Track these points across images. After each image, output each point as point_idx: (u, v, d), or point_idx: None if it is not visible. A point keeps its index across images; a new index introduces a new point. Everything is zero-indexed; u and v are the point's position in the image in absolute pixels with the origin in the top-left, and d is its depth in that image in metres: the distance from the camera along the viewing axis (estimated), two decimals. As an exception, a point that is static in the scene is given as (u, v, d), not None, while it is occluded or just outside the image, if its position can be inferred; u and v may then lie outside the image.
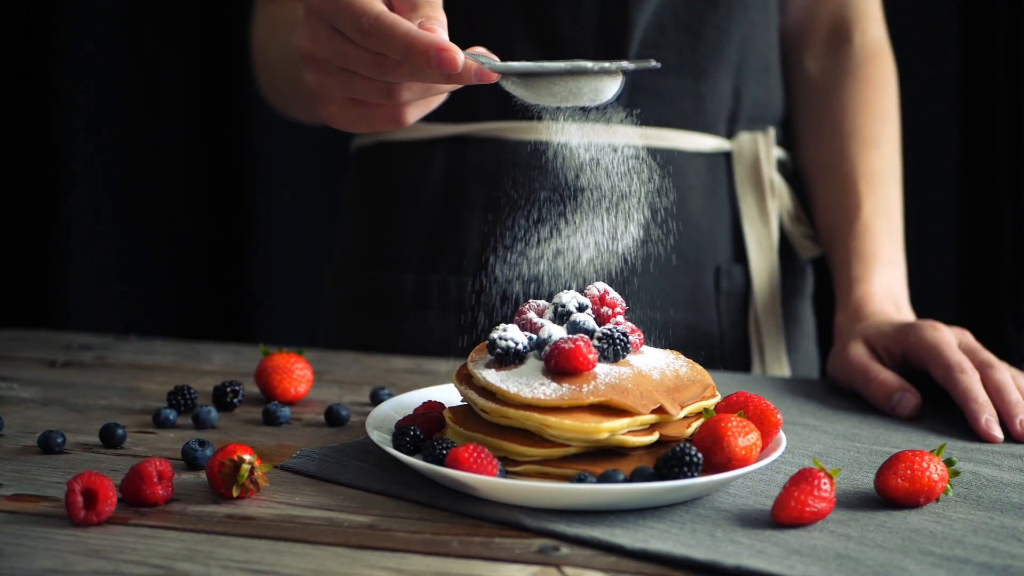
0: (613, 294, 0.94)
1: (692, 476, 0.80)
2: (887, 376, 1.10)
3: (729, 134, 1.38)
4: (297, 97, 1.40)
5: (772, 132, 1.39)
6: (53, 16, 2.10)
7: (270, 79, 1.42)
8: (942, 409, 1.07)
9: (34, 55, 2.12)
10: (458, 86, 0.91)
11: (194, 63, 2.17)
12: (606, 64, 0.89)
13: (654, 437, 0.84)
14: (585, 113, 0.94)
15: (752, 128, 1.39)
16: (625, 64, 0.89)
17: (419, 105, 0.94)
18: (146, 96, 2.17)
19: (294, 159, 2.18)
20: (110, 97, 2.16)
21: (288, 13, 1.35)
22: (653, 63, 0.90)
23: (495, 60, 0.89)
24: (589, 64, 0.89)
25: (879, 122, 1.37)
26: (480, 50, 0.90)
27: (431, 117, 1.03)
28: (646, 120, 1.32)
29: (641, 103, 1.30)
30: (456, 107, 1.23)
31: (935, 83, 1.94)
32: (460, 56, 0.85)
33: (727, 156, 1.38)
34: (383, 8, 0.87)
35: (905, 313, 1.24)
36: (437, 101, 0.97)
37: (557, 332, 0.88)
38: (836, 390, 1.17)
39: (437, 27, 0.87)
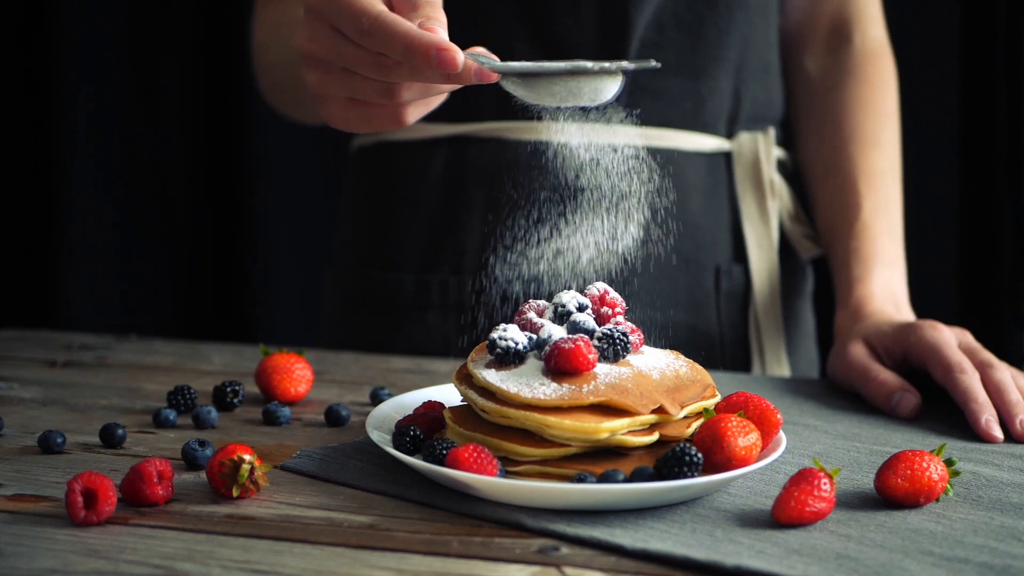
0: (613, 294, 0.94)
1: (692, 476, 0.80)
2: (887, 376, 1.10)
3: (729, 134, 1.38)
4: (298, 98, 1.40)
5: (772, 132, 1.39)
6: (53, 16, 2.10)
7: (272, 81, 1.42)
8: (942, 409, 1.07)
9: (34, 55, 2.12)
10: (458, 86, 0.91)
11: (194, 63, 2.17)
12: (606, 64, 0.89)
13: (654, 437, 0.84)
14: (585, 113, 0.94)
15: (752, 128, 1.39)
16: (625, 64, 0.89)
17: (419, 105, 0.94)
18: (146, 96, 2.17)
19: (294, 159, 2.18)
20: (110, 97, 2.16)
21: (290, 13, 1.34)
22: (653, 63, 0.90)
23: (495, 60, 0.89)
24: (589, 64, 0.89)
25: (879, 122, 1.37)
26: (480, 50, 0.90)
27: (431, 117, 1.03)
28: (646, 120, 1.32)
29: (641, 103, 1.30)
30: (456, 107, 1.23)
31: (935, 83, 1.94)
32: (460, 56, 0.85)
33: (727, 156, 1.38)
34: (383, 8, 0.87)
35: (905, 313, 1.24)
36: (437, 101, 0.97)
37: (557, 332, 0.88)
38: (836, 390, 1.17)
39: (437, 27, 0.87)
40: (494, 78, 0.88)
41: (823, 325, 1.44)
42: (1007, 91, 1.88)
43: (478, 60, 0.87)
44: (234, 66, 2.07)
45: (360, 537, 0.77)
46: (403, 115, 0.93)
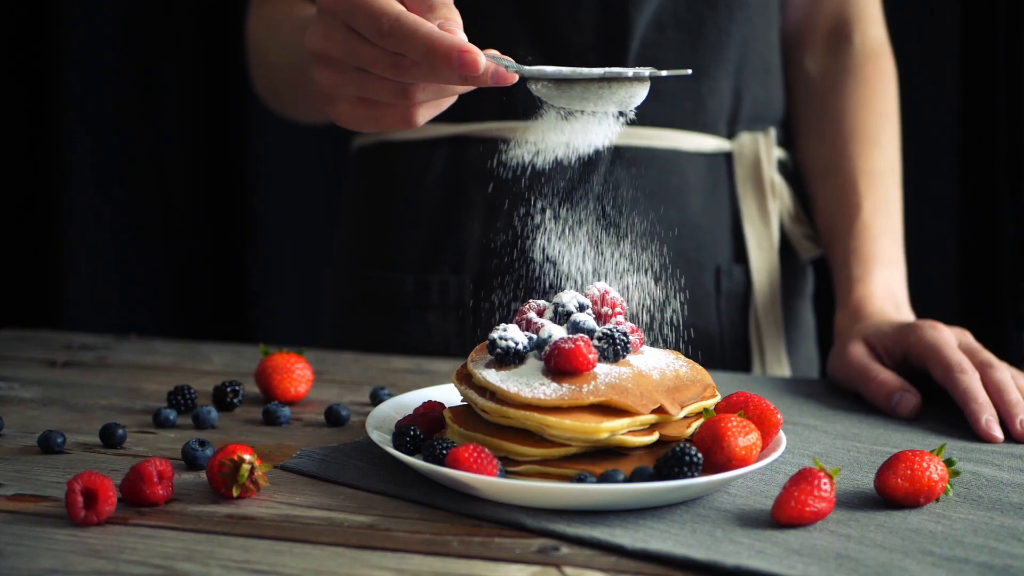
0: (613, 294, 0.94)
1: (692, 476, 0.80)
2: (887, 376, 1.10)
3: (730, 134, 1.38)
4: (298, 96, 1.40)
5: (772, 132, 1.39)
6: (53, 16, 2.10)
7: (271, 80, 1.42)
8: (942, 409, 1.07)
9: (34, 55, 2.12)
10: (473, 88, 0.90)
11: (194, 63, 2.17)
12: (642, 71, 0.88)
13: (654, 437, 0.84)
14: (595, 114, 0.93)
15: (753, 128, 1.39)
16: (660, 71, 0.89)
17: (430, 106, 0.94)
18: (146, 96, 2.17)
19: (294, 159, 2.18)
20: (110, 97, 2.16)
21: (287, 11, 1.34)
22: (688, 71, 0.90)
23: (511, 61, 0.89)
24: (625, 71, 0.88)
25: (879, 122, 1.37)
26: (494, 52, 0.89)
27: (432, 117, 1.03)
28: (647, 120, 1.31)
29: (642, 103, 1.29)
30: (456, 107, 1.23)
31: (935, 83, 1.94)
32: (482, 58, 0.84)
33: (727, 156, 1.38)
34: (402, 8, 0.86)
35: (905, 313, 1.24)
36: (448, 102, 0.97)
37: (557, 332, 0.88)
38: (836, 390, 1.17)
39: (456, 28, 0.87)
40: (511, 80, 0.88)
41: (823, 325, 1.44)
42: (1007, 91, 1.88)
43: (500, 63, 0.87)
44: (234, 66, 2.07)
45: (360, 537, 0.77)
46: (414, 116, 0.93)
